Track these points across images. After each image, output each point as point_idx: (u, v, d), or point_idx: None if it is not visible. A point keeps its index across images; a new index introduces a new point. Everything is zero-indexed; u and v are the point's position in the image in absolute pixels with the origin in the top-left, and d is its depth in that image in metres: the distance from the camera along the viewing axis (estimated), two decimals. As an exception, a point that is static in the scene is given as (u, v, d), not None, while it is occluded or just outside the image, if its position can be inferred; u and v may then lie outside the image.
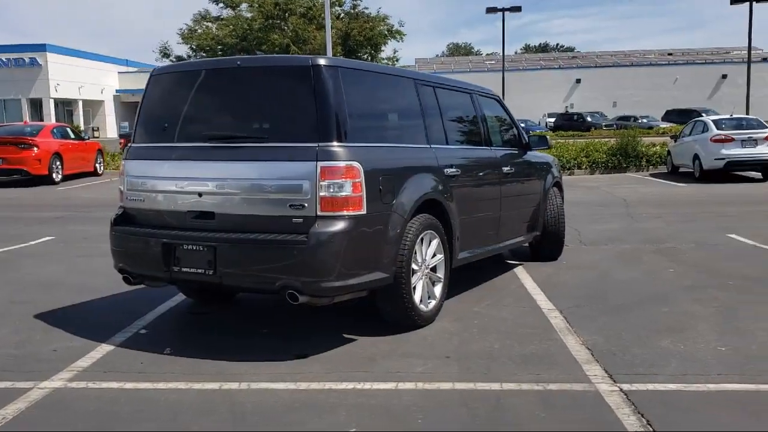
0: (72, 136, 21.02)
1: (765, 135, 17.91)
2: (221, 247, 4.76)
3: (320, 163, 4.62)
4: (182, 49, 40.71)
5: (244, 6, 39.36)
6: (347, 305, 5.27)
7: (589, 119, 47.05)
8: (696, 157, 18.63)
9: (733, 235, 9.68)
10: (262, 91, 4.98)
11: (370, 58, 40.49)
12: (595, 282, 7.04)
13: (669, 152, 21.36)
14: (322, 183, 4.61)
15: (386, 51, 42.17)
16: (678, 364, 4.53)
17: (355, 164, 4.70)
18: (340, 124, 4.74)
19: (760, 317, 5.61)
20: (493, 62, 65.04)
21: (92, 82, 53.98)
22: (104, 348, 5.03)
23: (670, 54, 67.75)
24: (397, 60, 42.56)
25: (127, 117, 57.27)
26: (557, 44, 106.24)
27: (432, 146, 5.77)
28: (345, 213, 4.66)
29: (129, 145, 5.45)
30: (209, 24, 40.19)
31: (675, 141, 20.98)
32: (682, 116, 45.12)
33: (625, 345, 4.94)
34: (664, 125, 42.25)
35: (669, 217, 11.78)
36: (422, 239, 5.30)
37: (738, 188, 16.69)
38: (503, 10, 40.85)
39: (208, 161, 4.94)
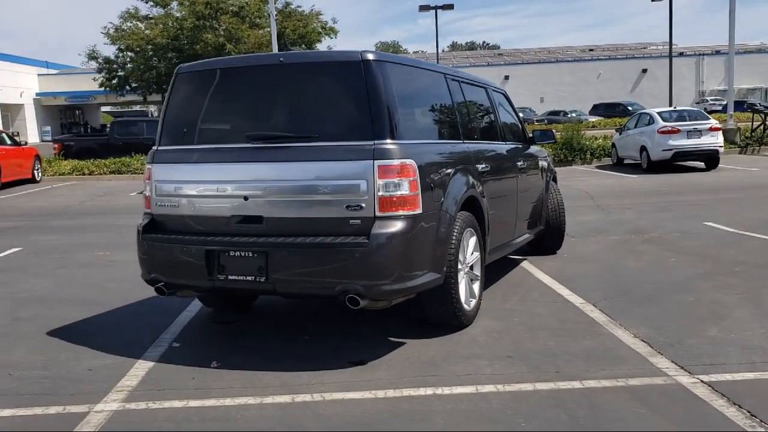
0: (8, 141, 19.92)
1: (709, 126, 18.58)
2: (275, 253, 4.53)
3: (377, 162, 4.44)
4: (110, 50, 39.32)
5: (174, 5, 38.23)
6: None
7: (521, 115, 47.75)
8: (643, 148, 19.15)
9: (709, 223, 9.96)
10: (308, 88, 4.77)
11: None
12: (608, 273, 7.08)
13: (614, 145, 21.91)
14: (379, 182, 4.44)
15: (320, 48, 41.76)
16: (739, 353, 4.56)
17: (410, 162, 4.55)
18: (393, 121, 4.58)
19: (786, 302, 5.74)
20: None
21: (10, 85, 51.59)
22: (143, 364, 4.72)
23: (591, 50, 69.81)
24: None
25: (49, 121, 55.12)
26: (483, 42, 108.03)
27: (464, 142, 5.67)
28: (403, 213, 4.50)
29: (154, 148, 5.12)
30: (138, 23, 38.83)
31: (620, 134, 21.54)
32: (608, 110, 46.55)
33: (677, 336, 4.95)
34: (593, 119, 43.36)
35: (638, 208, 12.04)
36: (463, 237, 5.20)
37: (687, 178, 17.23)
38: (436, 8, 41.19)
39: (252, 163, 4.68)
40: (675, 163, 18.93)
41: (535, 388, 4.10)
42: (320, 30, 39.85)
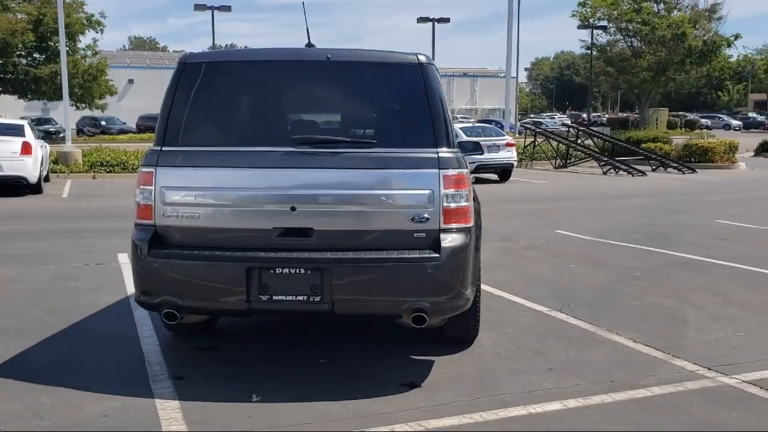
0: None
1: (505, 142, 20.20)
2: (334, 269, 4.07)
3: (442, 171, 4.21)
4: None
5: None
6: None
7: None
8: (447, 160, 20.22)
9: (561, 231, 10.79)
10: (358, 89, 4.38)
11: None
12: (534, 280, 7.35)
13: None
14: (444, 193, 4.21)
15: (84, 40, 38.42)
16: (737, 353, 4.98)
17: (465, 171, 4.38)
18: (448, 128, 4.38)
19: (712, 304, 6.40)
20: (184, 60, 63.00)
21: None
22: (166, 404, 3.99)
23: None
24: (96, 52, 38.97)
25: None
26: (244, 46, 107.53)
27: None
28: (462, 225, 4.31)
29: (156, 148, 4.32)
30: None
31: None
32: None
33: (671, 339, 5.29)
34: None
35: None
36: (477, 250, 5.11)
37: (491, 188, 18.52)
38: (213, 8, 40.01)
39: (300, 169, 4.17)
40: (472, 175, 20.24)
41: (614, 399, 4.15)
42: (85, 22, 36.66)
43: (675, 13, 41.72)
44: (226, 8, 39.69)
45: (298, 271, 4.11)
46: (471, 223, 4.39)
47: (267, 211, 4.19)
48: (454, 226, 4.25)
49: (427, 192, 4.18)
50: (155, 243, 4.25)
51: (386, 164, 4.20)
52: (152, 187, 4.27)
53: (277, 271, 4.12)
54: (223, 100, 4.42)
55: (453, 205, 4.24)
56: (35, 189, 15.07)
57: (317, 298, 4.11)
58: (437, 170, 4.19)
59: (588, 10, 42.20)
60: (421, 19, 44.14)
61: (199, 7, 39.60)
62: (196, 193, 4.24)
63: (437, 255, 4.13)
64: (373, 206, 4.18)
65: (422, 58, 4.39)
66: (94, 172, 19.43)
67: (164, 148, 4.32)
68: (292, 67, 4.45)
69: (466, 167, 4.38)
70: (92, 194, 15.71)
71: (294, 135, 4.24)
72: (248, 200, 4.20)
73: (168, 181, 4.26)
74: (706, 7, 41.78)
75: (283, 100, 4.48)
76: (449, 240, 4.20)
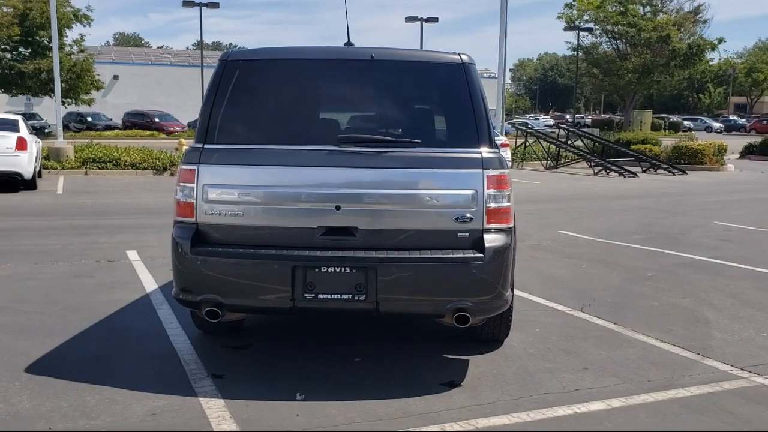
0: None
1: (500, 143, 20.23)
2: (379, 269, 4.06)
3: (486, 172, 4.22)
4: None
5: None
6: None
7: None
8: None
9: (564, 232, 10.86)
10: (402, 88, 4.37)
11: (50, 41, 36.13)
12: (550, 280, 7.40)
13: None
14: (487, 193, 4.22)
15: (71, 35, 37.99)
16: (767, 354, 5.07)
17: (507, 172, 4.40)
18: (490, 128, 4.39)
19: (729, 304, 6.47)
20: (169, 56, 62.69)
21: None
22: (212, 403, 3.97)
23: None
24: (82, 50, 38.51)
25: None
26: (230, 43, 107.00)
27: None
28: (503, 225, 4.32)
29: (198, 146, 4.28)
30: None
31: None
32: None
33: (697, 339, 5.35)
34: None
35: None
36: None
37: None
38: (200, 4, 39.68)
39: (346, 168, 4.16)
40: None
41: (655, 399, 4.18)
42: (72, 16, 36.26)
43: (660, 15, 42.08)
44: (215, 5, 39.30)
45: (343, 270, 4.10)
46: (512, 224, 4.41)
47: (312, 210, 4.17)
48: (496, 226, 4.27)
49: (470, 192, 4.20)
50: (197, 241, 4.22)
51: (430, 164, 4.20)
52: (194, 185, 4.24)
53: (322, 270, 4.11)
54: (266, 98, 4.39)
55: (495, 205, 4.25)
56: (30, 185, 14.89)
57: (362, 297, 4.11)
58: (481, 170, 4.21)
59: (574, 12, 42.45)
60: (410, 19, 44.05)
61: (187, 4, 39.24)
62: (240, 191, 4.21)
63: (481, 255, 4.14)
64: (417, 206, 4.18)
65: (465, 58, 4.40)
66: (86, 168, 19.21)
67: (206, 146, 4.29)
68: (337, 66, 4.44)
69: (507, 167, 4.40)
70: (86, 191, 15.54)
71: (339, 134, 4.24)
72: (293, 199, 4.18)
73: (211, 179, 4.23)
74: (691, 9, 42.23)
75: (327, 99, 4.48)
76: (492, 240, 4.21)
